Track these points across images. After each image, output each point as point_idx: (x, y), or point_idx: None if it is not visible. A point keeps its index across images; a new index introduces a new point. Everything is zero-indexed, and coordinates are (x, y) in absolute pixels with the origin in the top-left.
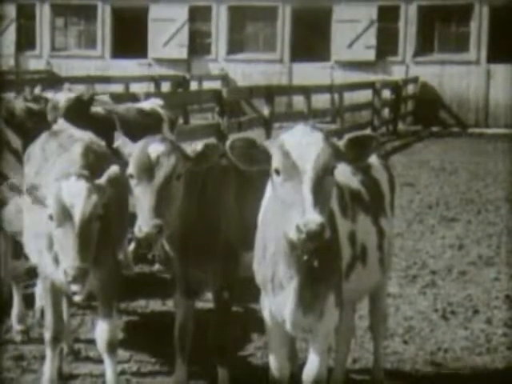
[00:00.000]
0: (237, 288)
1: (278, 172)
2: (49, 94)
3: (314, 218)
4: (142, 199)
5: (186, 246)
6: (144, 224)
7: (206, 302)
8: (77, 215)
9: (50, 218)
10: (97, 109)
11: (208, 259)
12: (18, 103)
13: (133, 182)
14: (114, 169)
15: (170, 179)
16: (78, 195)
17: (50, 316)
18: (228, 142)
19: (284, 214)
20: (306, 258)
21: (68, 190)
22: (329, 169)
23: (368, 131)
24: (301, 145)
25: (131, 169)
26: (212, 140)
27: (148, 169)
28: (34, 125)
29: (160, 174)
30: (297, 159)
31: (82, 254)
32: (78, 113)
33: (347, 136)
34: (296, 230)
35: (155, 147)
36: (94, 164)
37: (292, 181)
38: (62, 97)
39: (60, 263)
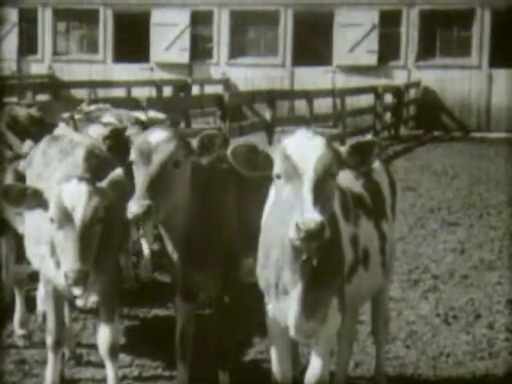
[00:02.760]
0: (238, 292)
1: (279, 176)
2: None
3: (313, 217)
4: (137, 182)
5: (188, 248)
6: (132, 204)
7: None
8: (78, 217)
9: (51, 220)
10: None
11: (209, 262)
12: (21, 110)
13: (134, 168)
14: (117, 172)
15: (165, 164)
16: (79, 198)
17: (52, 320)
18: (230, 149)
19: (286, 217)
20: (305, 257)
21: (69, 192)
22: (330, 172)
23: (370, 136)
24: (302, 148)
25: (132, 155)
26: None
27: (146, 154)
28: (36, 131)
29: (156, 159)
30: (298, 162)
31: (82, 257)
32: (118, 142)
33: (349, 143)
34: (295, 228)
35: (156, 134)
36: (96, 168)
37: (293, 183)
38: (97, 133)
39: (61, 266)
